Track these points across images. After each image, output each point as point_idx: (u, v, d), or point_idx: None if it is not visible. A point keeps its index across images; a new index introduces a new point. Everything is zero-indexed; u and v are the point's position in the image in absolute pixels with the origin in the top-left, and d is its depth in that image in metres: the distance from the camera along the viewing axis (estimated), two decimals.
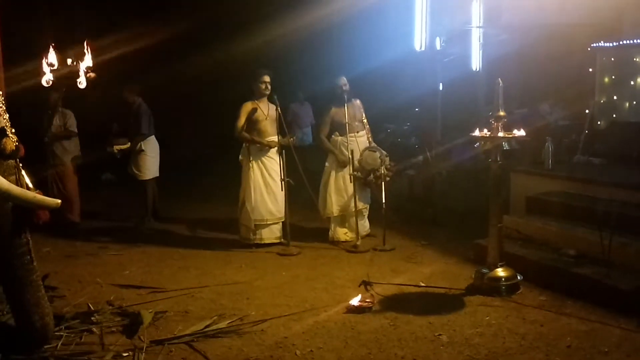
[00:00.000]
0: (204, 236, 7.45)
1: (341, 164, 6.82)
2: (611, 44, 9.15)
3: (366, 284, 5.22)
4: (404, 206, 8.32)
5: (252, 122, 6.65)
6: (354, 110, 6.90)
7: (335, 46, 14.03)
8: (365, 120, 7.08)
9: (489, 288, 4.95)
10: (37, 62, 4.01)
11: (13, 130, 3.70)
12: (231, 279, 5.62)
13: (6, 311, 4.30)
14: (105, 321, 4.53)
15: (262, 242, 6.71)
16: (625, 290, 4.46)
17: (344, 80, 6.83)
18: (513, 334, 4.18)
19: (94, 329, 4.39)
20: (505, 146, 4.99)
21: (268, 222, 6.73)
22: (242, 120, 6.64)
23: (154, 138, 8.00)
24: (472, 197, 7.75)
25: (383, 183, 6.65)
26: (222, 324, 4.45)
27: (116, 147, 7.56)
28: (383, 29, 11.63)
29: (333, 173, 6.93)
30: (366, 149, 6.86)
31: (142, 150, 7.79)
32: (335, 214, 6.94)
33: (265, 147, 6.67)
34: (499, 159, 5.01)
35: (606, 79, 9.37)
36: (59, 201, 3.76)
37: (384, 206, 6.64)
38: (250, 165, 6.70)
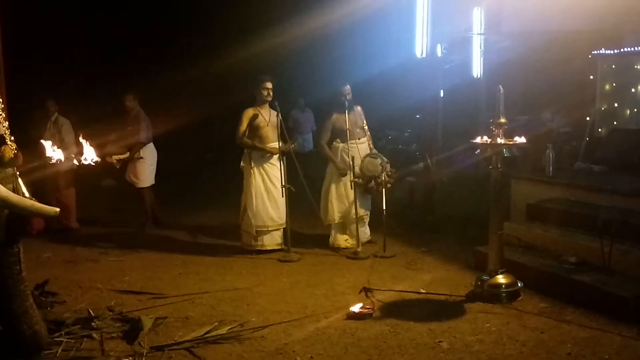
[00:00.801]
0: (204, 242, 7.45)
1: (340, 173, 6.82)
2: (612, 52, 9.18)
3: (366, 291, 5.21)
4: (405, 213, 8.32)
5: (254, 128, 6.66)
6: (355, 117, 6.90)
7: (336, 53, 14.07)
8: (366, 127, 7.09)
9: (490, 295, 4.94)
10: None
11: (12, 138, 3.70)
12: (231, 285, 5.62)
13: None
14: (105, 327, 4.52)
15: (264, 248, 6.71)
16: (626, 297, 4.45)
17: (347, 88, 6.84)
18: (513, 340, 4.17)
19: (94, 335, 4.38)
20: (506, 153, 5.01)
21: (269, 228, 6.73)
22: (243, 126, 6.65)
23: (153, 145, 7.99)
24: (472, 204, 7.75)
25: (384, 190, 6.66)
26: (223, 330, 4.44)
27: (115, 158, 7.49)
28: (384, 36, 11.68)
29: (334, 180, 6.93)
30: (367, 155, 6.86)
31: (141, 158, 7.79)
32: (336, 221, 6.94)
33: (266, 154, 6.68)
34: (499, 166, 5.01)
35: (607, 87, 9.40)
36: (57, 209, 3.72)
37: (384, 213, 6.64)
38: (252, 171, 6.71)
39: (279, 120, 6.61)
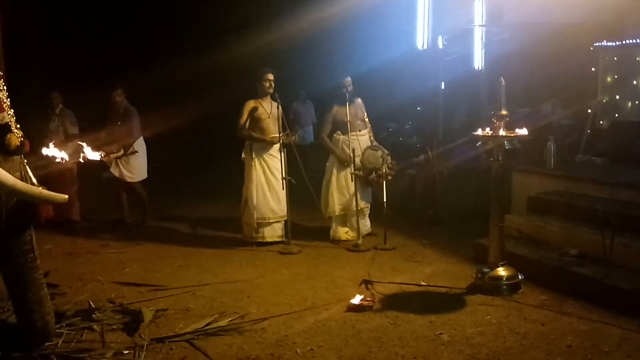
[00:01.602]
0: (205, 234, 7.45)
1: (342, 163, 6.81)
2: (614, 44, 9.15)
3: (367, 283, 5.22)
4: (405, 205, 8.31)
5: (255, 120, 6.65)
6: (355, 109, 6.89)
7: (337, 45, 14.03)
8: (367, 119, 7.08)
9: (490, 287, 4.94)
10: None
11: (18, 126, 3.70)
12: (232, 277, 5.62)
13: (7, 309, 4.31)
14: (106, 319, 4.53)
15: (265, 241, 6.71)
16: (627, 290, 4.45)
17: (348, 80, 6.83)
18: (514, 333, 4.18)
19: (95, 327, 4.39)
20: (507, 145, 4.98)
21: (270, 221, 6.73)
22: (244, 118, 6.64)
23: (142, 138, 7.83)
24: (473, 196, 7.75)
25: (384, 182, 6.65)
26: (223, 322, 4.45)
27: (112, 156, 7.38)
28: (385, 28, 11.64)
29: (335, 172, 6.93)
30: (368, 147, 6.85)
31: (136, 152, 7.65)
32: (337, 213, 6.93)
33: (267, 145, 6.67)
34: (500, 158, 5.00)
35: (609, 79, 9.37)
36: (66, 196, 3.72)
37: (385, 205, 6.64)
38: (253, 163, 6.70)
39: (279, 112, 6.60)
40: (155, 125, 8.25)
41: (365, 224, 7.01)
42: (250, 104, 6.69)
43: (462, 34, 10.60)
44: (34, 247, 3.74)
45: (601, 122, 9.09)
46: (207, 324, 4.40)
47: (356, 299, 4.74)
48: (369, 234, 6.97)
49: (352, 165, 6.69)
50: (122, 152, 7.50)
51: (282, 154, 6.63)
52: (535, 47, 10.66)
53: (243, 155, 6.82)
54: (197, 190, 10.58)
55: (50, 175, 7.19)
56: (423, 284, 5.30)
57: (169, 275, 5.75)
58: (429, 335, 4.20)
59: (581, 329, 4.20)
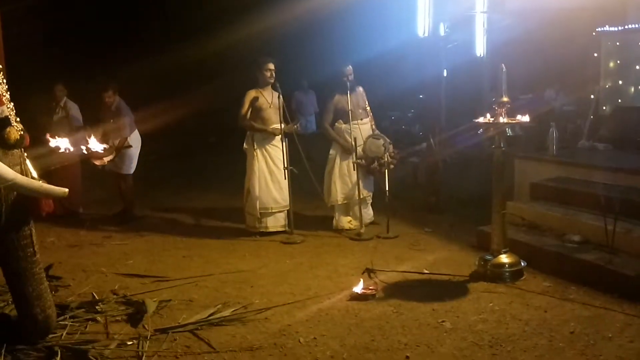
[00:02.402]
0: (208, 225, 7.46)
1: (346, 151, 6.80)
2: (616, 29, 9.07)
3: (369, 272, 5.23)
4: (408, 194, 8.31)
5: (256, 110, 6.63)
6: (357, 98, 6.88)
7: (338, 33, 13.98)
8: (368, 108, 7.06)
9: (493, 275, 4.94)
10: None
11: (18, 120, 3.69)
12: (235, 268, 5.63)
13: (10, 301, 4.32)
14: (109, 310, 4.54)
15: (267, 231, 6.72)
16: (629, 275, 4.45)
17: (350, 69, 6.81)
18: (516, 320, 4.18)
19: (99, 318, 4.40)
20: (509, 132, 4.97)
21: (273, 211, 6.73)
22: (245, 107, 6.62)
23: (137, 131, 7.69)
24: (476, 184, 7.74)
25: (386, 171, 6.64)
26: (226, 312, 4.45)
27: (106, 159, 7.21)
28: (386, 15, 11.58)
29: (337, 161, 6.92)
30: (370, 136, 6.84)
31: (130, 146, 7.48)
32: (339, 202, 6.93)
33: (269, 135, 6.65)
34: (502, 145, 4.99)
35: (611, 64, 9.30)
36: (66, 190, 3.70)
37: (387, 194, 6.63)
38: (255, 153, 6.69)
39: (280, 102, 6.58)
40: (157, 116, 8.22)
41: (368, 213, 7.01)
42: (251, 93, 6.67)
43: (464, 21, 10.55)
44: (34, 241, 3.74)
45: (604, 107, 9.03)
46: (211, 314, 4.41)
47: (359, 288, 4.74)
48: (371, 223, 6.97)
49: (354, 154, 6.68)
50: (114, 154, 7.29)
51: (284, 143, 6.62)
52: (537, 33, 10.61)
53: (245, 146, 6.81)
54: (200, 181, 10.58)
55: (53, 167, 7.24)
56: (426, 272, 5.30)
57: (172, 266, 5.76)
58: (431, 322, 4.20)
59: (584, 315, 4.20)
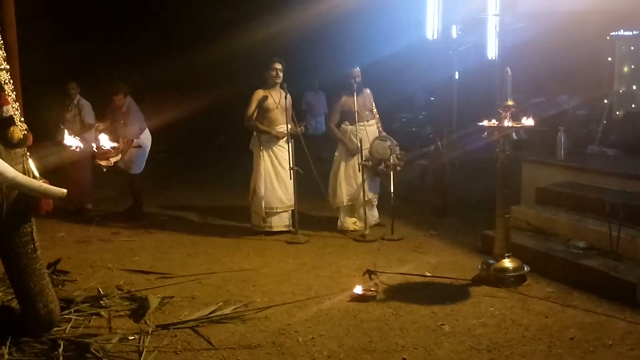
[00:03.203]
0: (214, 223, 7.51)
1: (351, 153, 6.82)
2: (630, 33, 9.00)
3: (370, 273, 5.23)
4: (415, 196, 8.30)
5: (263, 110, 6.66)
6: (363, 99, 6.88)
7: (350, 35, 13.95)
8: (375, 110, 7.06)
9: (495, 279, 4.92)
10: None
11: (22, 119, 3.74)
12: (239, 266, 5.66)
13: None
14: (113, 305, 4.60)
15: (272, 230, 6.75)
16: (633, 282, 4.41)
17: (357, 71, 6.82)
18: (516, 325, 4.16)
19: (103, 313, 4.46)
20: (514, 136, 4.95)
21: (278, 210, 6.76)
22: (252, 108, 6.65)
23: (148, 131, 7.72)
24: (484, 186, 7.67)
25: (392, 172, 6.64)
26: (227, 310, 4.49)
27: (112, 160, 7.20)
28: (397, 17, 11.54)
29: (343, 162, 6.93)
30: (376, 138, 6.84)
31: (139, 147, 7.53)
32: (345, 204, 6.94)
33: (274, 137, 6.68)
34: (507, 149, 4.97)
35: (625, 68, 9.22)
36: (65, 190, 3.73)
37: (392, 195, 6.63)
38: (261, 153, 6.72)
39: (287, 102, 6.60)
40: (166, 113, 8.26)
41: (373, 215, 7.02)
42: (260, 93, 6.70)
43: (476, 24, 10.50)
44: (35, 238, 3.79)
45: (617, 112, 8.95)
46: (212, 312, 4.45)
47: (359, 289, 4.75)
48: (376, 225, 6.97)
49: (359, 155, 6.68)
50: (119, 155, 7.30)
51: (290, 144, 6.64)
52: (550, 36, 10.51)
53: (251, 146, 6.85)
54: (208, 180, 10.63)
55: (64, 164, 7.34)
56: (428, 274, 5.30)
57: (178, 263, 5.81)
58: (430, 325, 4.20)
59: (585, 322, 4.17)
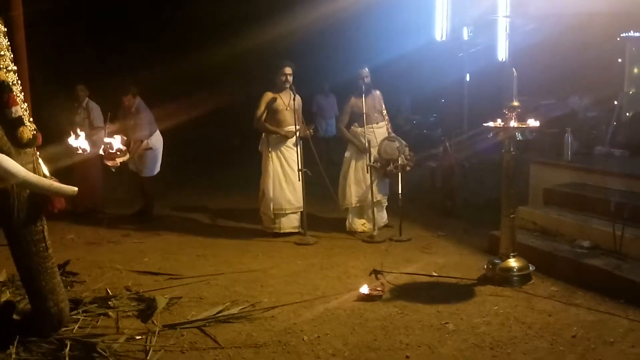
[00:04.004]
0: (225, 225, 7.57)
1: (361, 152, 6.83)
2: None
3: (377, 273, 5.27)
4: (424, 197, 8.32)
5: (272, 112, 6.71)
6: (373, 101, 6.91)
7: (360, 37, 14.01)
8: (384, 112, 7.09)
9: (501, 278, 4.95)
10: None
11: (31, 119, 3.83)
12: (247, 267, 5.72)
13: (25, 295, 4.47)
14: (121, 306, 4.65)
15: (282, 231, 6.79)
16: (636, 282, 4.42)
17: (366, 71, 6.84)
18: (520, 323, 4.19)
19: (111, 313, 4.52)
20: (519, 137, 4.98)
21: (287, 212, 6.80)
22: (261, 109, 6.70)
23: (159, 133, 7.73)
24: (494, 188, 7.67)
25: (400, 173, 6.67)
26: (234, 310, 4.54)
27: (118, 160, 7.02)
28: (406, 19, 11.58)
29: (352, 164, 6.96)
30: (385, 139, 6.86)
31: (150, 149, 7.54)
32: (354, 205, 6.97)
33: (283, 138, 6.74)
34: (512, 150, 4.99)
35: (635, 70, 9.20)
36: (76, 189, 3.82)
37: (400, 196, 6.66)
38: (270, 155, 6.78)
39: (297, 103, 6.64)
40: (176, 116, 8.33)
41: (382, 216, 7.05)
42: (269, 95, 6.74)
43: (487, 26, 10.52)
44: (46, 237, 3.85)
45: (627, 114, 8.92)
46: (219, 312, 4.50)
47: (366, 289, 4.79)
48: (385, 226, 7.00)
49: (367, 157, 6.72)
50: (127, 156, 7.16)
51: (299, 145, 6.70)
52: (561, 38, 10.52)
53: (260, 147, 6.91)
54: (221, 182, 10.70)
55: (74, 166, 7.41)
56: (434, 274, 5.33)
57: (186, 264, 5.88)
58: (435, 324, 4.23)
59: (588, 320, 4.19)
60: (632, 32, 9.15)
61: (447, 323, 4.24)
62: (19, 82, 3.72)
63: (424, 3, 8.58)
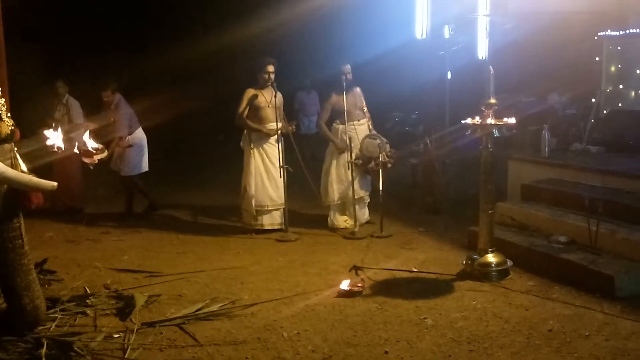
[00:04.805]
0: (205, 222, 7.56)
1: (340, 151, 6.87)
2: (618, 33, 9.08)
3: (357, 269, 5.29)
4: (405, 194, 8.36)
5: (254, 109, 6.70)
6: (354, 98, 6.92)
7: (342, 34, 14.04)
8: (365, 109, 7.11)
9: (479, 274, 5.00)
10: None
11: (9, 115, 3.79)
12: (228, 264, 5.71)
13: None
14: (100, 304, 4.64)
15: (263, 228, 6.79)
16: (611, 275, 4.48)
17: (348, 68, 6.85)
18: (497, 317, 4.23)
19: (89, 312, 4.49)
20: (496, 133, 5.02)
21: (268, 208, 6.80)
22: (243, 105, 6.69)
23: (141, 130, 7.68)
24: (475, 184, 7.72)
25: (380, 170, 6.69)
26: (214, 307, 4.53)
27: (96, 157, 7.18)
28: (387, 16, 11.60)
29: (334, 161, 6.98)
30: (366, 136, 6.89)
31: (130, 146, 7.47)
32: (336, 202, 6.99)
33: (265, 135, 6.73)
34: (490, 146, 5.04)
35: (612, 68, 9.30)
36: (55, 183, 3.79)
37: (381, 193, 6.69)
38: (252, 152, 6.77)
39: (277, 100, 6.64)
40: (155, 112, 8.27)
41: (364, 212, 7.08)
42: (250, 91, 6.73)
43: (466, 24, 10.57)
44: (23, 233, 3.83)
45: (605, 111, 9.03)
46: (198, 309, 4.49)
47: (345, 285, 4.82)
48: (367, 222, 7.03)
49: (348, 154, 6.74)
50: (105, 153, 7.29)
51: (280, 142, 6.70)
52: (540, 36, 10.60)
53: (242, 144, 6.90)
54: (204, 179, 10.69)
55: (53, 163, 7.31)
56: (414, 270, 5.36)
57: (166, 262, 5.86)
58: (413, 319, 4.27)
59: (564, 314, 4.24)
60: (609, 31, 9.24)
61: (425, 318, 4.27)
62: None
63: (404, 1, 8.58)
